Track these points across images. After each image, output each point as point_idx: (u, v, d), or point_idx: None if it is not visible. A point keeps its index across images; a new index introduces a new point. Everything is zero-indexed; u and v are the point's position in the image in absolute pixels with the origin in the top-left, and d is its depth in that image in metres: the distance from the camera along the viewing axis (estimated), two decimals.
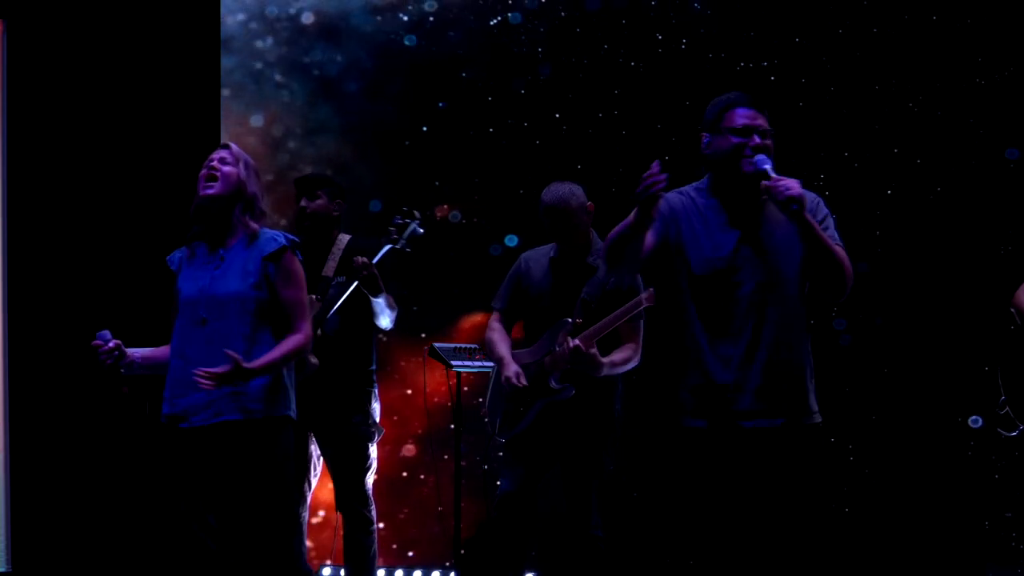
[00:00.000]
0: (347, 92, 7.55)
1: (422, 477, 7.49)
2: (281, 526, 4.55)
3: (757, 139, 4.09)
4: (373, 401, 5.92)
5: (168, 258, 4.77)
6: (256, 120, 7.52)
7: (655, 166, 3.88)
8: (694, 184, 4.28)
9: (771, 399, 4.08)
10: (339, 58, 7.54)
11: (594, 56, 7.40)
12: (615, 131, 7.36)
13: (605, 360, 5.43)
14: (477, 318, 7.22)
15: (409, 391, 7.39)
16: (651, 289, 5.47)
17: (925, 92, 7.07)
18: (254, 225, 4.63)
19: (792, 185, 3.98)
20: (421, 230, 5.84)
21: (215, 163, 4.61)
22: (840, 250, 4.10)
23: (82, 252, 7.17)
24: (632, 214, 3.96)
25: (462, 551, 6.45)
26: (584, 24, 7.45)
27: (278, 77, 7.56)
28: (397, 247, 5.81)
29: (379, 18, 7.55)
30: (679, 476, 4.10)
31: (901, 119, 7.09)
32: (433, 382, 6.68)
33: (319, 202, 5.92)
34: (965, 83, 7.03)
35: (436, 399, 6.97)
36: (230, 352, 4.39)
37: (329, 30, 7.57)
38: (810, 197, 4.10)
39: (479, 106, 7.53)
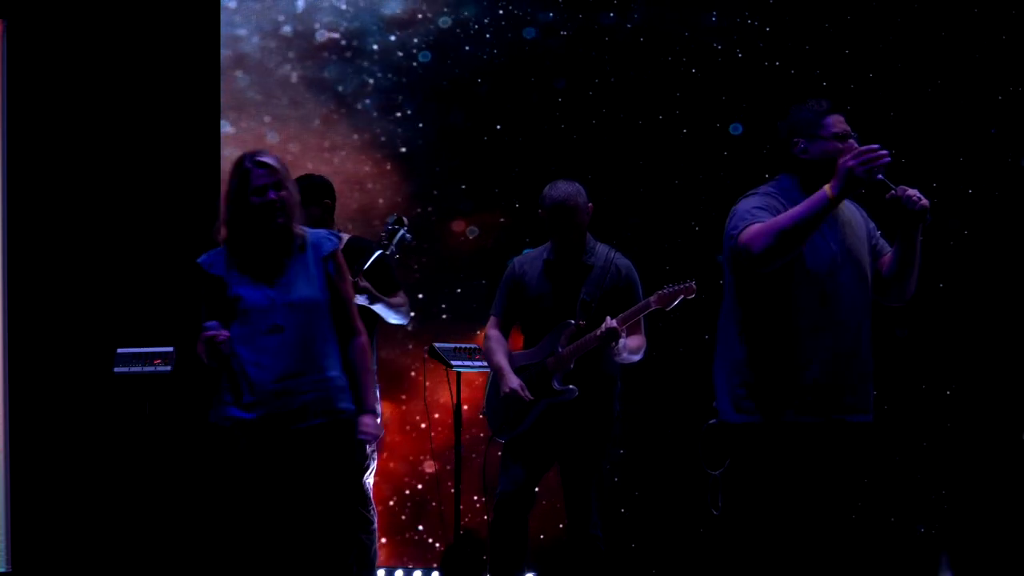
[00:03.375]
0: (362, 109, 7.55)
1: (423, 482, 7.50)
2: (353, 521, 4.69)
3: (854, 143, 4.16)
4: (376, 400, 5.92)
5: (203, 260, 4.64)
6: (272, 138, 7.52)
7: (875, 146, 3.93)
8: (769, 185, 4.31)
9: (864, 395, 4.21)
10: (354, 75, 7.54)
11: (625, 70, 7.41)
12: (674, 133, 7.40)
13: (629, 344, 5.50)
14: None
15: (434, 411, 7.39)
16: (660, 292, 5.51)
17: (966, 100, 7.08)
18: (302, 229, 4.64)
19: (921, 196, 4.08)
20: (409, 236, 5.87)
21: (272, 194, 4.54)
22: None
23: (82, 252, 7.18)
24: (827, 192, 3.96)
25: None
26: (599, 39, 7.45)
27: (293, 95, 7.56)
28: (387, 253, 5.83)
29: (393, 35, 7.55)
30: (791, 472, 4.13)
31: (944, 125, 7.10)
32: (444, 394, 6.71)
33: (312, 209, 5.91)
34: (994, 94, 7.07)
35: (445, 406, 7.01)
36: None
37: (344, 48, 7.57)
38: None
39: (495, 121, 7.52)
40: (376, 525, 5.92)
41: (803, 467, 4.13)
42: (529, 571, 6.99)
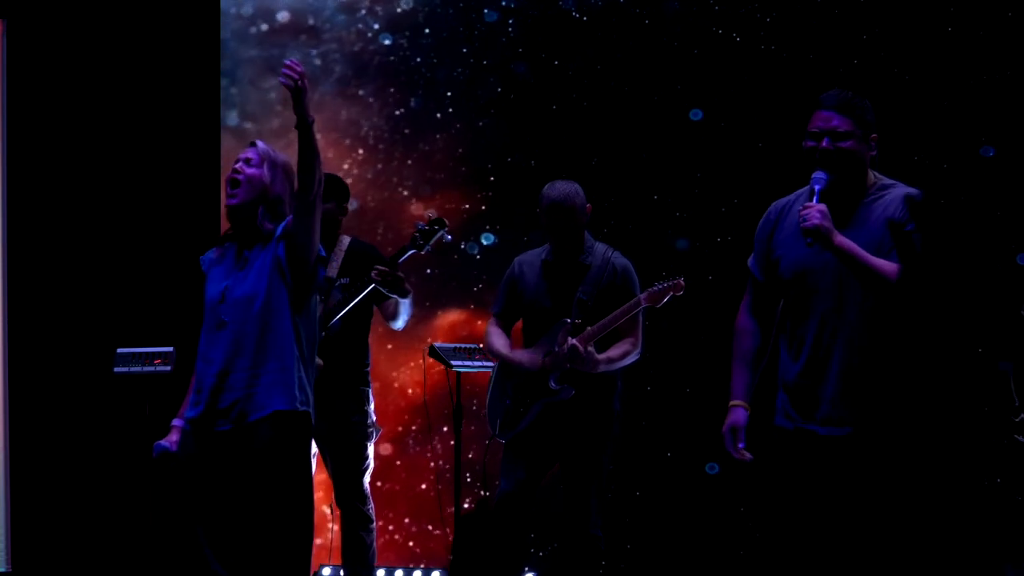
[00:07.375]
0: (323, 91, 7.51)
1: (421, 482, 7.50)
2: (305, 519, 4.49)
3: (827, 142, 4.02)
4: (371, 399, 5.94)
5: (201, 258, 4.65)
6: (231, 119, 7.49)
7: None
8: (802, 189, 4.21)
9: (843, 407, 4.00)
10: (314, 57, 7.51)
11: (581, 55, 7.38)
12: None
13: (602, 357, 5.48)
14: (452, 316, 7.21)
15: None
16: (650, 290, 5.50)
17: (939, 90, 7.06)
18: (270, 226, 4.49)
19: (810, 216, 3.91)
20: (449, 237, 5.84)
21: (240, 165, 4.48)
22: (885, 265, 3.94)
23: (81, 252, 7.18)
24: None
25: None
26: (563, 26, 7.42)
27: (253, 76, 7.53)
28: (421, 252, 5.81)
29: (354, 17, 7.52)
30: (770, 476, 4.11)
31: (918, 117, 7.07)
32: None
33: (327, 205, 5.90)
34: (956, 84, 7.05)
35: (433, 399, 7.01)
36: None
37: (304, 29, 7.52)
38: (905, 194, 4.03)
39: (455, 104, 7.50)
40: (375, 523, 5.94)
41: (779, 473, 4.07)
42: (529, 571, 7.00)
